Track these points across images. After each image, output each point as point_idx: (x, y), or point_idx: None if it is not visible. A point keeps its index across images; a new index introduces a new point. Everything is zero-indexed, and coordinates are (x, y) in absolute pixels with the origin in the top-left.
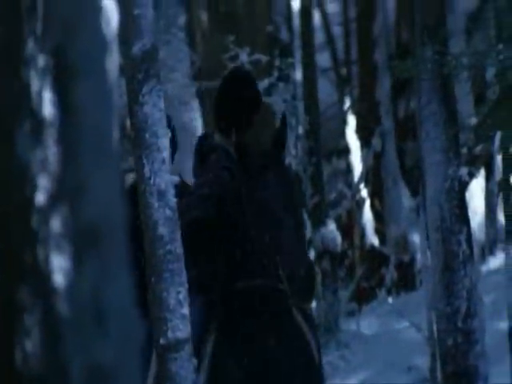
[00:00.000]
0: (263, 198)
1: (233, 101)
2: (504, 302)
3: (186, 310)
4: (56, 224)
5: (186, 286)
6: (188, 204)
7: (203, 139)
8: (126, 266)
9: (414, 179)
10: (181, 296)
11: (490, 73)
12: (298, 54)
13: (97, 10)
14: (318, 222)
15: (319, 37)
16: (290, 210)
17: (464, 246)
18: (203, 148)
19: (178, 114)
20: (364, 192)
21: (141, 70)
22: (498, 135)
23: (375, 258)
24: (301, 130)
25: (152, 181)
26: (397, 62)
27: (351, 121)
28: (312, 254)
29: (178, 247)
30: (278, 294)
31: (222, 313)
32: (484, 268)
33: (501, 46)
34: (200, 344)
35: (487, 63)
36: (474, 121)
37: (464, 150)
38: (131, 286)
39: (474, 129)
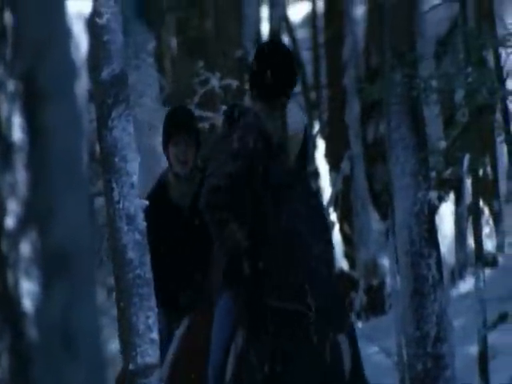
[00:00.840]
0: (292, 223)
1: (273, 67)
2: (474, 327)
3: (155, 335)
4: (25, 248)
5: (156, 310)
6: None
7: (234, 106)
8: (94, 290)
9: (384, 203)
10: (150, 321)
11: (459, 95)
12: None
13: (66, 35)
14: None
15: None
16: (317, 233)
17: (433, 270)
18: (234, 113)
19: (148, 138)
20: (333, 216)
21: (110, 94)
22: (467, 158)
23: (344, 282)
24: None
25: (121, 205)
26: (366, 85)
27: (320, 145)
28: None
29: (147, 272)
30: (306, 321)
31: (250, 323)
32: (454, 292)
33: (470, 69)
34: (228, 342)
35: (456, 86)
36: (443, 144)
37: (433, 174)
38: (98, 309)
39: (444, 152)
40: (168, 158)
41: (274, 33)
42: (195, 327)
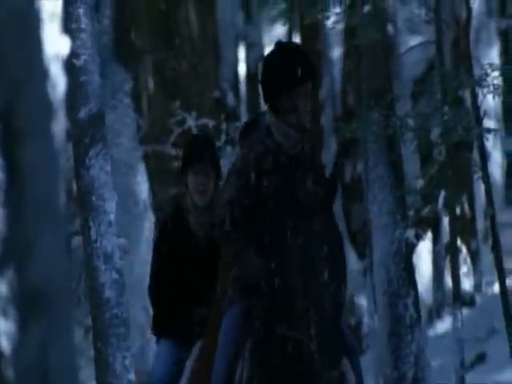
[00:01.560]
0: (309, 247)
1: (267, 70)
2: (452, 367)
3: (132, 376)
4: (2, 287)
5: (132, 351)
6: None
7: (248, 122)
8: (71, 329)
9: (361, 242)
10: (127, 361)
11: (436, 134)
12: (245, 119)
13: (43, 75)
14: None
15: None
16: (333, 264)
17: (411, 309)
18: (246, 130)
19: (125, 177)
20: None
21: (87, 134)
22: (445, 198)
23: None
24: None
25: (98, 243)
26: (342, 124)
27: None
28: None
29: (124, 311)
30: (307, 353)
31: (256, 345)
32: (431, 332)
33: (446, 109)
34: (233, 360)
35: (432, 124)
36: (420, 183)
37: (411, 213)
38: (75, 348)
39: (421, 191)
40: (186, 186)
41: (251, 73)
42: (206, 352)
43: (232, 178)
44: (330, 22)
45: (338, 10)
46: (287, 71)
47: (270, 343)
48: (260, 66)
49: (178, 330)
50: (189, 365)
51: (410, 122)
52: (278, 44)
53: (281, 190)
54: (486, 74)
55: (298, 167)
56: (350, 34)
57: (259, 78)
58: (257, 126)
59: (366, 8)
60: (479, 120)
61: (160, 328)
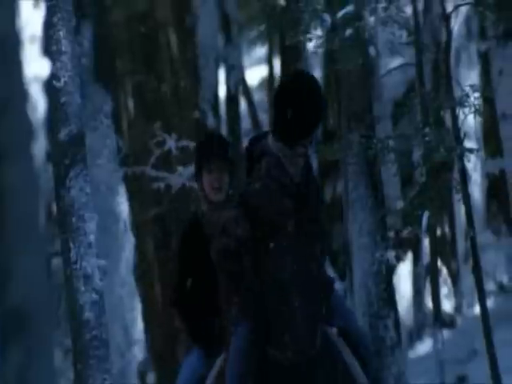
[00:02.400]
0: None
1: (296, 109)
2: None
3: None
4: None
5: (112, 372)
6: (231, 219)
7: (255, 141)
8: (51, 351)
9: (342, 263)
10: (107, 383)
11: (417, 155)
12: None
13: (24, 97)
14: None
15: (245, 123)
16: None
17: (391, 331)
18: (254, 151)
19: (105, 198)
20: None
21: (68, 155)
22: (425, 217)
23: None
24: None
25: (78, 265)
26: (322, 146)
27: None
28: None
29: (104, 332)
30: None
31: (256, 369)
32: (412, 353)
33: (427, 130)
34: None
35: (413, 145)
36: (400, 204)
37: (391, 234)
38: (55, 369)
39: (402, 212)
40: (201, 188)
41: (231, 95)
42: (223, 368)
43: (243, 216)
44: (311, 46)
45: (319, 32)
46: (319, 110)
47: (266, 367)
48: (240, 87)
49: (206, 340)
50: (209, 382)
51: (391, 143)
52: (301, 76)
53: (287, 221)
54: (467, 96)
55: (303, 195)
56: (330, 55)
57: (280, 111)
58: (264, 152)
59: (348, 31)
60: (460, 141)
61: (192, 338)
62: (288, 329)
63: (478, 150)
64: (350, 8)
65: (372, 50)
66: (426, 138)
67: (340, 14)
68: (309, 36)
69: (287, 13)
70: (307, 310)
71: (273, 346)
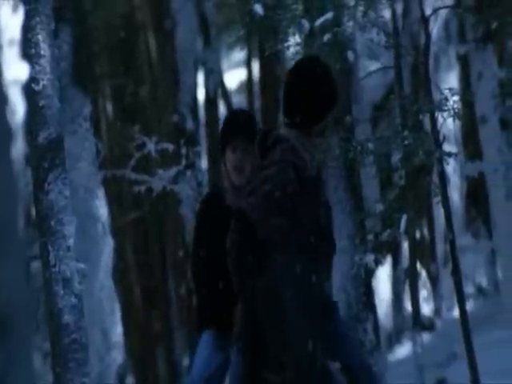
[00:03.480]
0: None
1: (312, 93)
2: None
3: None
4: None
5: (91, 376)
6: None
7: (267, 132)
8: (30, 354)
9: None
10: None
11: (396, 158)
12: (204, 143)
13: (2, 100)
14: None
15: None
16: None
17: (371, 334)
18: (267, 140)
19: (84, 202)
20: None
21: (46, 158)
22: (404, 221)
23: None
24: None
25: (57, 268)
26: None
27: None
28: None
29: (83, 336)
30: None
31: None
32: (391, 357)
33: (406, 133)
34: None
35: (393, 148)
36: (380, 207)
37: (370, 237)
38: (34, 373)
39: (381, 215)
40: (225, 167)
41: (210, 98)
42: None
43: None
44: (290, 52)
45: (297, 39)
46: (334, 93)
47: None
48: (219, 90)
49: (221, 319)
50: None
51: (371, 146)
52: (317, 60)
53: (306, 217)
54: (446, 99)
55: (317, 189)
56: None
57: (294, 95)
58: (278, 140)
59: (326, 37)
60: (439, 144)
61: (204, 317)
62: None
63: (456, 154)
64: (329, 15)
65: (350, 55)
66: (406, 142)
67: (319, 21)
68: (287, 44)
69: (266, 21)
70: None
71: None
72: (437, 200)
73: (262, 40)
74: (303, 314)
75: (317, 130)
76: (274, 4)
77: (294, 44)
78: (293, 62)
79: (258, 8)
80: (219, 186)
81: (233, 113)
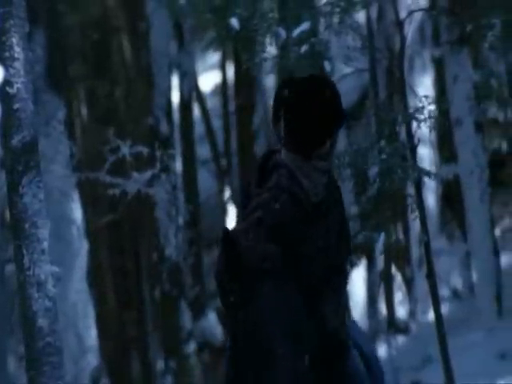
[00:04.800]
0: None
1: (313, 115)
2: None
3: None
4: None
5: (66, 379)
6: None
7: (269, 154)
8: (5, 358)
9: None
10: None
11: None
12: (179, 146)
13: None
14: (199, 313)
15: (199, 129)
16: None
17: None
18: (268, 164)
19: (58, 205)
20: None
21: (21, 161)
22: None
23: None
24: (181, 220)
25: (31, 271)
26: None
27: (231, 211)
28: (192, 346)
29: (57, 339)
30: None
31: None
32: None
33: (382, 143)
34: None
35: (370, 163)
36: (354, 210)
37: None
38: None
39: (356, 218)
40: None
41: (185, 101)
42: None
43: (257, 230)
44: (267, 65)
45: (273, 50)
46: (337, 115)
47: None
48: (194, 93)
49: None
50: None
51: (347, 159)
52: (316, 80)
53: (306, 246)
54: (423, 107)
55: (320, 217)
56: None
57: (289, 117)
58: (274, 167)
59: (303, 48)
60: (414, 151)
61: None
62: None
63: (435, 175)
64: (305, 26)
65: (327, 65)
66: (383, 155)
67: (296, 32)
68: (264, 56)
69: (242, 33)
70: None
71: None
72: (411, 203)
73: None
74: (289, 353)
75: (319, 153)
76: (249, 14)
77: (271, 57)
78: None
79: (234, 22)
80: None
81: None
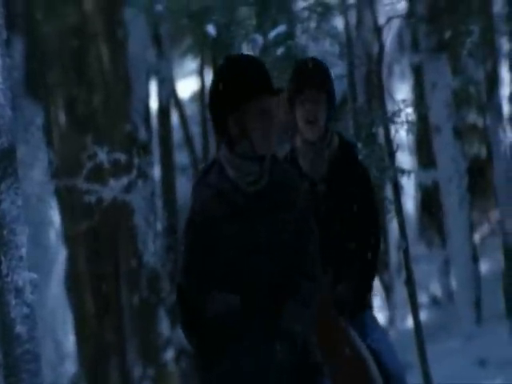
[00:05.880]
0: None
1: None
2: None
3: None
4: None
5: None
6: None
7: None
8: None
9: None
10: None
11: None
12: (157, 153)
13: None
14: (177, 321)
15: (177, 135)
16: None
17: None
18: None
19: (36, 211)
20: None
21: None
22: None
23: None
24: (159, 227)
25: (9, 278)
26: None
27: None
28: (170, 354)
29: (36, 346)
30: None
31: None
32: None
33: (360, 145)
34: None
35: None
36: None
37: None
38: None
39: None
40: (294, 121)
41: (163, 108)
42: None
43: (183, 238)
44: None
45: (250, 53)
46: (230, 85)
47: None
48: (172, 99)
49: None
50: None
51: None
52: (225, 58)
53: (238, 240)
54: (400, 111)
55: (260, 208)
56: None
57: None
58: (210, 168)
59: (280, 50)
60: (392, 155)
61: None
62: None
63: (410, 172)
64: (281, 28)
65: None
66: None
67: (272, 34)
68: None
69: (219, 40)
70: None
71: None
72: (390, 209)
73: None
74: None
75: (236, 138)
76: (227, 22)
77: None
78: None
79: (211, 29)
80: (292, 148)
81: (301, 62)
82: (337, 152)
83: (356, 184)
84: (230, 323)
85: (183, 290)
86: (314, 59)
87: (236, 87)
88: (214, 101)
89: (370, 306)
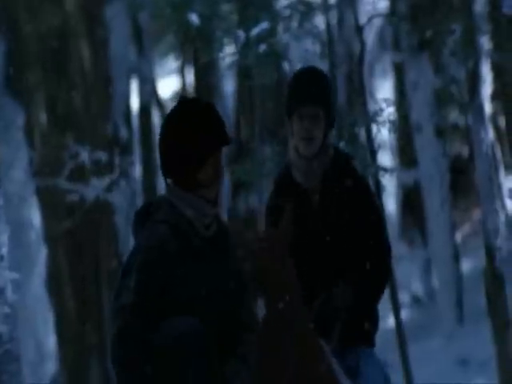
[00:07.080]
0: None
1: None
2: None
3: None
4: None
5: None
6: None
7: (147, 205)
8: None
9: None
10: None
11: None
12: (138, 152)
13: None
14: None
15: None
16: None
17: None
18: (148, 207)
19: (17, 210)
20: None
21: None
22: None
23: None
24: None
25: None
26: (236, 165)
27: None
28: None
29: (16, 347)
30: None
31: None
32: None
33: (341, 144)
34: None
35: None
36: None
37: None
38: None
39: None
40: (291, 134)
41: (144, 107)
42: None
43: (134, 278)
44: (225, 63)
45: (232, 49)
46: (199, 138)
47: None
48: (153, 98)
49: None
50: None
51: None
52: (181, 103)
53: (192, 281)
54: (381, 110)
55: (212, 254)
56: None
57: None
58: (158, 207)
59: (261, 47)
60: (374, 154)
61: None
62: None
63: (393, 170)
64: (264, 25)
65: (286, 65)
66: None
67: (254, 31)
68: (222, 54)
69: (201, 30)
70: None
71: None
72: None
73: (197, 49)
74: None
75: (200, 179)
76: (209, 14)
77: (228, 54)
78: (226, 67)
79: (194, 17)
80: (288, 160)
81: (298, 74)
82: (330, 163)
83: (352, 195)
84: (192, 342)
85: (128, 328)
86: (311, 70)
87: (206, 138)
88: (184, 152)
89: (371, 343)
